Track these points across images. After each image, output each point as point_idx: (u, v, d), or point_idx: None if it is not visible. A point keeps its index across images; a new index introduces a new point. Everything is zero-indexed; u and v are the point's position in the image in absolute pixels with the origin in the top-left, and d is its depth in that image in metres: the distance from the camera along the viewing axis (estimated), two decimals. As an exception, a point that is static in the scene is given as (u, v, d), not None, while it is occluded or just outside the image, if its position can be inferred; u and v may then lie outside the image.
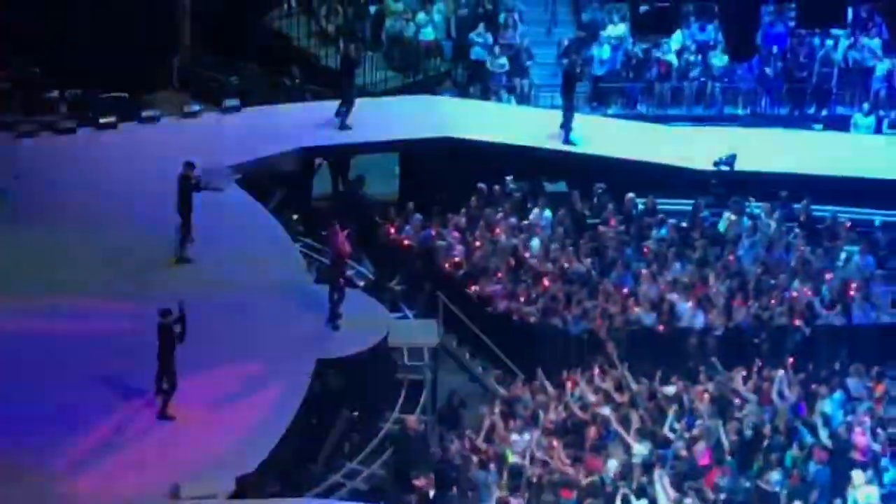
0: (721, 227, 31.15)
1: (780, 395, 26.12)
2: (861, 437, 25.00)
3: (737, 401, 25.96)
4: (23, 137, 31.79)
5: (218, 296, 26.41)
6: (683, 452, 24.45)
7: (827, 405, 25.90)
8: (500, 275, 29.56)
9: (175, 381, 23.20)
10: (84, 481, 21.94)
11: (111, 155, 31.68)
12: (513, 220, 31.07)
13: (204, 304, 24.80)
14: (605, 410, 25.47)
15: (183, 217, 27.83)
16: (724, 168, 31.67)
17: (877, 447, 24.97)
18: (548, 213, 31.30)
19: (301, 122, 33.04)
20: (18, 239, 28.11)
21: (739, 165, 31.80)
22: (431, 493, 23.06)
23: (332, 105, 32.88)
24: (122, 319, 25.14)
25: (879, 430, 25.38)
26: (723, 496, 23.43)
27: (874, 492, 23.69)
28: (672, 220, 31.24)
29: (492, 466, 24.10)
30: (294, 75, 35.38)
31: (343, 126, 32.37)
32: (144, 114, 32.85)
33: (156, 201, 28.69)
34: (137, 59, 33.85)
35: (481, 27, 36.21)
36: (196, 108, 33.17)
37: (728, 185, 31.66)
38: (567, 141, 32.64)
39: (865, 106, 35.05)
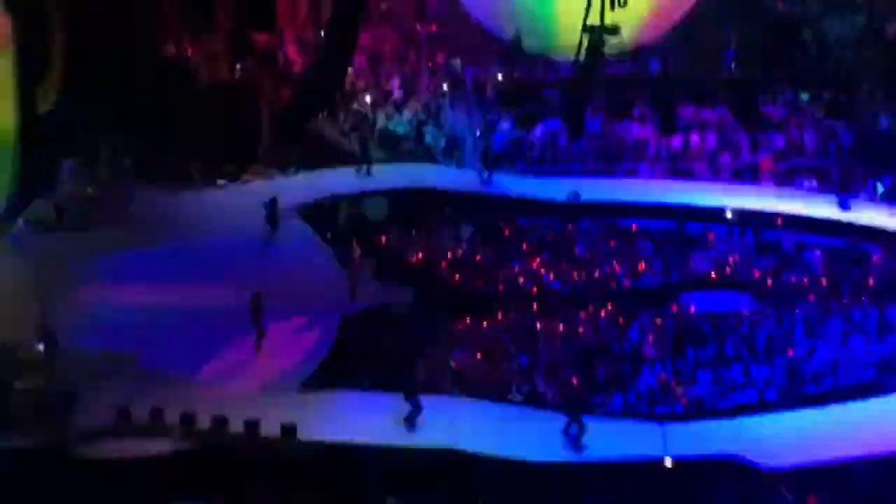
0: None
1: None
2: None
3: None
4: (172, 194, 31.53)
5: (283, 276, 26.27)
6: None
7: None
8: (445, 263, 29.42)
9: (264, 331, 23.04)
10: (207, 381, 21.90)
11: (225, 201, 31.41)
12: (449, 232, 30.90)
13: (276, 282, 24.65)
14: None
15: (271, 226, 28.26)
16: (572, 201, 31.41)
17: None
18: (470, 229, 30.95)
19: (331, 181, 32.74)
20: (172, 248, 27.89)
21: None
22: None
23: (348, 170, 32.83)
24: (229, 294, 24.88)
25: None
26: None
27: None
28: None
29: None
30: (328, 154, 35.04)
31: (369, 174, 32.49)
32: (242, 178, 32.54)
33: (252, 223, 28.69)
34: (238, 145, 33.58)
35: (430, 125, 35.94)
36: (271, 174, 32.81)
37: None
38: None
39: (645, 162, 34.79)
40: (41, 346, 21.37)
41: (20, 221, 28.24)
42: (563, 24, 25.25)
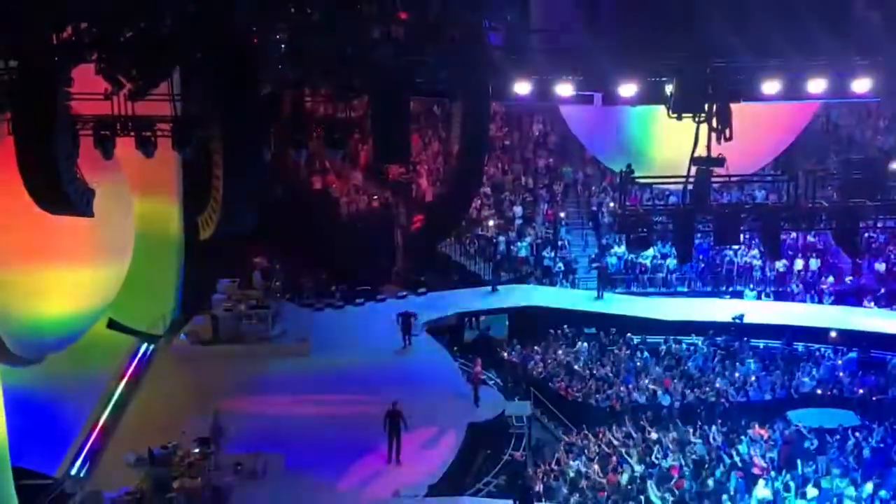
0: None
1: (713, 439, 25.46)
2: (758, 460, 24.26)
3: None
4: (318, 311, 32.13)
5: (411, 385, 26.48)
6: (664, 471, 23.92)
7: (740, 445, 25.16)
8: (560, 375, 29.22)
9: (400, 440, 23.10)
10: (347, 485, 22.03)
11: (363, 316, 31.89)
12: (566, 347, 30.73)
13: (407, 393, 24.80)
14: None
15: (405, 335, 28.71)
16: (737, 321, 31.06)
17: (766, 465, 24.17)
18: (585, 344, 30.87)
19: (457, 299, 33.04)
20: (316, 359, 28.29)
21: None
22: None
23: (473, 290, 33.00)
24: (366, 403, 25.04)
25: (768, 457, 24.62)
26: (685, 495, 22.81)
27: (768, 493, 22.87)
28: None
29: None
30: (454, 274, 35.42)
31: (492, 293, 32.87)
32: (378, 297, 33.06)
33: (387, 333, 29.07)
34: (375, 267, 34.22)
35: (548, 248, 36.14)
36: (404, 293, 33.29)
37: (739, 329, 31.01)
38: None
39: (751, 285, 34.44)
40: (198, 449, 21.81)
41: (181, 335, 29.23)
42: (672, 156, 25.28)
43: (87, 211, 16.75)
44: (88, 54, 16.24)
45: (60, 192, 15.98)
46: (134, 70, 16.41)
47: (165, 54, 16.56)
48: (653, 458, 24.48)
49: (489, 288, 33.22)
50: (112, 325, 27.59)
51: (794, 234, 33.95)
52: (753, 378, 28.61)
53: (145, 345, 28.76)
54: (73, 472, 22.47)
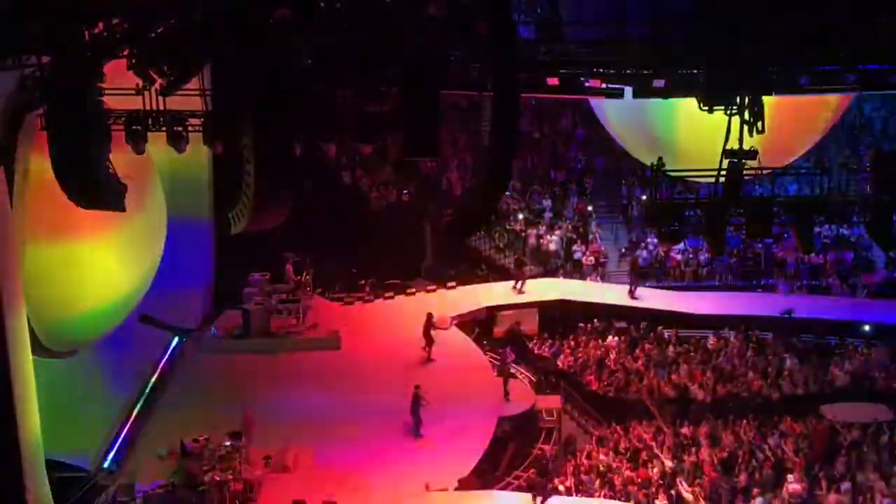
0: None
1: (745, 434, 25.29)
2: (790, 455, 24.06)
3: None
4: (348, 305, 32.09)
5: (441, 379, 26.36)
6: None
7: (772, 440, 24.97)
8: (591, 369, 29.14)
9: (420, 426, 23.20)
10: (376, 479, 22.07)
11: (393, 310, 31.89)
12: (598, 341, 30.58)
13: (436, 387, 24.79)
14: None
15: (427, 339, 28.15)
16: (787, 316, 30.81)
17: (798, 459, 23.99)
18: (615, 338, 30.72)
19: (487, 294, 32.89)
20: (345, 353, 28.30)
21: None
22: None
23: (503, 283, 33.00)
24: (396, 396, 25.00)
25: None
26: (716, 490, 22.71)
27: (800, 488, 22.67)
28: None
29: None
30: (482, 269, 35.29)
31: (520, 291, 32.27)
32: (408, 291, 32.95)
33: (412, 330, 28.81)
34: (404, 266, 34.22)
35: (578, 243, 35.95)
36: (432, 287, 33.17)
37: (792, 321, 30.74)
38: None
39: (783, 278, 34.15)
40: (228, 442, 21.92)
41: (213, 329, 29.38)
42: (704, 149, 25.09)
43: (119, 205, 16.85)
44: (120, 50, 16.34)
45: (93, 187, 16.09)
46: (165, 65, 16.50)
47: (196, 49, 16.63)
48: (683, 452, 24.35)
49: (518, 282, 32.95)
50: (144, 318, 27.74)
51: (827, 226, 33.69)
52: (786, 372, 28.38)
53: (177, 338, 28.90)
54: (106, 465, 22.65)
